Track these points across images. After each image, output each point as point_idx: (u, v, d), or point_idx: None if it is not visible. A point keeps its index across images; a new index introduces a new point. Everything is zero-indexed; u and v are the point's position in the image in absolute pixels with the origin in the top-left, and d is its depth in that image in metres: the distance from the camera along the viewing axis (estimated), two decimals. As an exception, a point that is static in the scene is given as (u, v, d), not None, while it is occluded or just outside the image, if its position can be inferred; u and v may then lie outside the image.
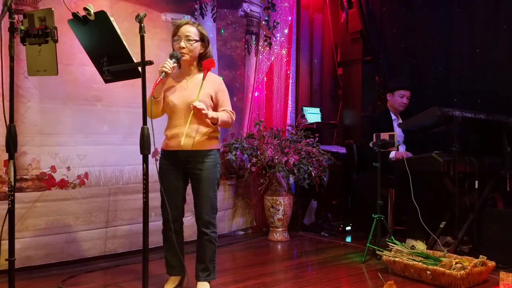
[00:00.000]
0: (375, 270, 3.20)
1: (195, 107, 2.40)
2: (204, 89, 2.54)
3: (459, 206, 3.40)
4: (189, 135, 2.52)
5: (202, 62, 2.56)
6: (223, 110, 2.60)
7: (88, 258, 3.36)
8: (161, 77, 2.38)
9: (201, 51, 2.58)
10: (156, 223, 3.36)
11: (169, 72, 2.40)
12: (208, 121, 2.51)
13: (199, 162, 2.57)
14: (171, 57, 2.44)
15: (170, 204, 2.53)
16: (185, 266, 2.68)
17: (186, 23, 2.56)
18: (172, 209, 2.56)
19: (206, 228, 2.61)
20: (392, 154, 3.80)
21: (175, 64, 2.44)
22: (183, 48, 2.51)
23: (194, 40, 2.52)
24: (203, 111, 2.41)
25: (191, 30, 2.52)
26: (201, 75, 2.57)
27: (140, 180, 2.16)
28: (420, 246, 3.45)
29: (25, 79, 3.03)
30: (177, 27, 2.55)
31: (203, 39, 2.57)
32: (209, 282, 2.68)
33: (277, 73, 4.71)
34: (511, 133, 3.50)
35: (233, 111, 2.64)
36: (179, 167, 2.61)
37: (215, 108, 2.61)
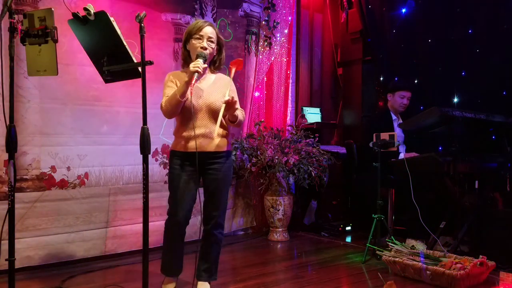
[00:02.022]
0: (375, 270, 3.20)
1: (230, 100, 2.38)
2: (220, 90, 2.55)
3: (459, 206, 3.40)
4: (209, 136, 2.50)
5: (230, 62, 2.62)
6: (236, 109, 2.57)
7: (88, 258, 3.36)
8: (195, 77, 2.34)
9: (215, 54, 2.58)
10: (156, 223, 3.37)
11: (201, 72, 2.37)
12: (222, 120, 2.49)
13: (217, 163, 2.55)
14: (199, 57, 2.40)
15: (184, 206, 2.52)
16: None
17: (209, 25, 2.53)
18: (185, 214, 2.54)
19: (216, 230, 2.60)
20: (401, 156, 3.78)
21: (205, 65, 2.43)
22: (206, 48, 2.47)
23: (215, 43, 2.53)
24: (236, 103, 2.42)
25: (213, 32, 2.52)
26: (213, 76, 2.61)
27: (140, 180, 2.16)
28: (420, 246, 3.45)
29: (25, 79, 3.03)
30: (199, 28, 2.49)
31: (219, 43, 2.57)
32: (209, 283, 2.68)
33: (277, 73, 4.71)
34: (511, 133, 3.50)
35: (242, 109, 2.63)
36: (196, 168, 2.52)
37: None
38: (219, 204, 2.58)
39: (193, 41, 2.49)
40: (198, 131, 2.49)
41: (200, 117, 2.50)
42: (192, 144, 2.48)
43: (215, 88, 2.56)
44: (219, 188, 2.56)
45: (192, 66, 2.35)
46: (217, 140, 2.52)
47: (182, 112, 2.51)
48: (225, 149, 2.58)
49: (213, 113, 2.50)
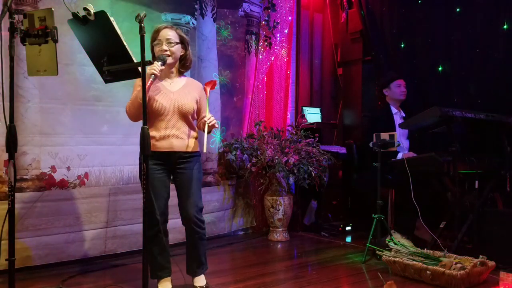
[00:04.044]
0: (375, 270, 3.20)
1: (212, 123, 2.55)
2: (191, 93, 2.66)
3: (459, 206, 3.41)
4: (180, 137, 2.60)
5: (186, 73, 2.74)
6: (203, 117, 2.68)
7: (88, 258, 3.36)
8: (152, 79, 2.39)
9: (182, 54, 2.65)
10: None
11: (158, 74, 2.42)
12: (193, 123, 2.66)
13: (189, 162, 2.65)
14: (158, 59, 2.47)
15: (160, 206, 2.58)
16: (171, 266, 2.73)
17: (165, 27, 2.61)
18: (162, 211, 2.59)
19: (198, 226, 2.65)
20: (400, 156, 3.78)
21: (163, 67, 2.47)
22: (166, 50, 2.55)
23: (175, 42, 2.58)
24: (216, 125, 2.59)
25: (170, 34, 2.58)
26: (184, 79, 2.70)
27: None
28: (405, 242, 3.45)
29: (25, 79, 3.03)
30: (157, 32, 2.59)
31: (182, 42, 2.64)
32: (204, 275, 2.75)
33: (277, 73, 4.71)
34: (511, 133, 3.50)
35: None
36: (168, 167, 2.64)
37: (197, 111, 2.72)
38: (194, 200, 2.63)
39: (155, 47, 2.59)
40: (168, 131, 2.58)
41: (170, 118, 2.58)
42: (162, 144, 2.59)
43: (186, 91, 2.64)
44: (193, 184, 2.64)
45: (149, 69, 2.39)
46: (187, 141, 2.62)
47: (152, 113, 2.58)
48: (196, 149, 2.69)
49: (183, 115, 2.60)
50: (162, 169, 2.61)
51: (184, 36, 2.67)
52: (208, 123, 2.56)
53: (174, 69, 2.68)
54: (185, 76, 2.75)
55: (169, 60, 2.57)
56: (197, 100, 2.69)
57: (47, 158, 3.16)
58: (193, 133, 2.68)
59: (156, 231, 2.58)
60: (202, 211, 2.69)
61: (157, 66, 2.40)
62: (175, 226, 2.99)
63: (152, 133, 2.57)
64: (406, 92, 4.06)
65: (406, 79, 4.18)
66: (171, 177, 2.70)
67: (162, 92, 2.60)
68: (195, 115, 2.71)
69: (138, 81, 2.54)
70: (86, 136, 3.34)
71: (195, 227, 2.63)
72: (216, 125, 2.63)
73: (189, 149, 2.64)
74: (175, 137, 2.58)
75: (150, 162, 2.56)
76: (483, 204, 3.46)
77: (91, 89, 3.34)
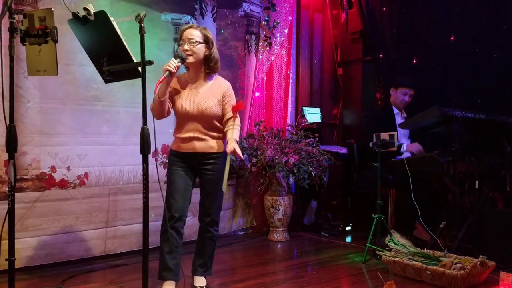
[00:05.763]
0: (375, 270, 3.20)
1: (234, 152, 2.42)
2: (216, 96, 2.60)
3: (459, 206, 3.40)
4: (203, 139, 2.60)
5: (209, 68, 2.62)
6: (229, 118, 2.59)
7: (88, 258, 3.36)
8: (165, 75, 2.37)
9: (206, 53, 2.60)
10: (156, 223, 3.36)
11: (174, 71, 2.40)
12: (216, 123, 2.61)
13: (212, 163, 2.63)
14: (176, 56, 2.46)
15: (177, 201, 2.57)
16: (181, 270, 2.63)
17: (190, 27, 2.60)
18: (179, 207, 2.58)
19: (211, 227, 2.67)
20: (404, 148, 3.78)
21: (180, 64, 2.45)
22: (187, 50, 2.53)
23: (197, 42, 2.55)
24: (239, 153, 2.44)
25: (194, 33, 2.56)
26: (210, 81, 2.64)
27: (140, 180, 2.16)
28: (405, 242, 3.45)
29: (25, 79, 3.03)
30: (182, 32, 2.59)
31: (206, 41, 2.59)
32: (205, 277, 2.74)
33: (277, 73, 4.70)
34: (511, 133, 3.50)
35: (237, 116, 2.62)
36: (191, 167, 2.65)
37: (222, 112, 2.63)
38: (214, 202, 2.65)
39: (179, 47, 2.59)
40: (191, 134, 2.58)
41: (193, 122, 2.58)
42: (186, 146, 2.62)
43: (210, 94, 2.60)
44: (214, 188, 2.63)
45: (165, 65, 2.39)
46: (210, 142, 2.61)
47: (176, 115, 2.64)
48: (219, 150, 2.64)
49: (206, 119, 2.57)
50: (185, 167, 2.64)
51: (210, 36, 2.61)
52: (228, 152, 2.44)
53: (200, 71, 2.63)
54: (213, 76, 2.67)
55: (190, 59, 2.54)
56: (221, 102, 2.61)
57: (47, 158, 3.16)
58: (218, 135, 2.64)
59: (167, 228, 2.54)
60: (219, 212, 2.71)
61: (172, 63, 2.40)
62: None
63: (177, 134, 2.63)
64: (408, 103, 4.03)
65: (410, 75, 4.17)
66: (196, 177, 2.70)
67: (186, 95, 2.61)
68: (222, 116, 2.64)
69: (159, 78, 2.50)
70: (86, 136, 3.34)
71: (208, 227, 2.67)
72: (239, 155, 2.45)
73: (213, 150, 2.62)
74: (197, 139, 2.59)
75: (175, 159, 2.65)
76: (483, 204, 3.46)
77: (91, 89, 3.34)
